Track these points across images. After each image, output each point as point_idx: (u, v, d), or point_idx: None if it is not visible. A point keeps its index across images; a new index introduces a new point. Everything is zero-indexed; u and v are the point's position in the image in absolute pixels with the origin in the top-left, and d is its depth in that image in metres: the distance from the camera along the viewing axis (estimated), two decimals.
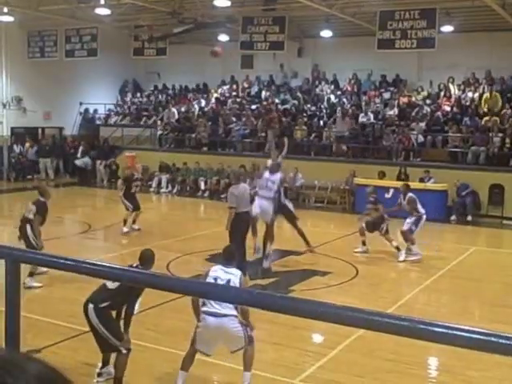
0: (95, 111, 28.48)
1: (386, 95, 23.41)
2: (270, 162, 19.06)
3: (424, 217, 12.70)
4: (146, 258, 6.59)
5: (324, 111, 23.66)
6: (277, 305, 2.29)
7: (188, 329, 8.16)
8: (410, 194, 12.89)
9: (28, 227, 10.72)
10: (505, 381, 6.80)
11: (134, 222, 15.03)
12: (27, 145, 25.03)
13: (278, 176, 11.92)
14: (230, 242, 10.77)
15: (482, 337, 1.87)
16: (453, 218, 17.86)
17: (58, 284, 9.49)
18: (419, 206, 12.74)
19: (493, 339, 1.84)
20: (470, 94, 21.87)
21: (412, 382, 6.90)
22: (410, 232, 12.55)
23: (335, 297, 9.45)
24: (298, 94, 25.04)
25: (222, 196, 18.95)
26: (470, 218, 17.92)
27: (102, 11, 21.11)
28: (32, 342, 6.62)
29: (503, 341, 1.81)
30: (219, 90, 27.38)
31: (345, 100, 23.90)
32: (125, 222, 14.72)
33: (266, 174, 12.03)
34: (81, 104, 27.83)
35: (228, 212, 10.91)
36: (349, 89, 24.54)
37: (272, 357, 7.17)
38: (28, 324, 8.07)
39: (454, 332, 1.90)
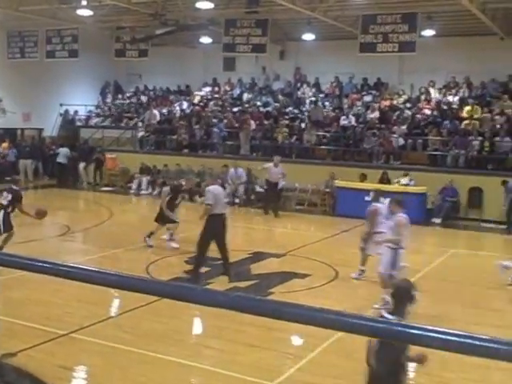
0: (76, 112, 28.25)
1: (368, 98, 23.53)
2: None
3: None
4: (400, 293, 5.01)
5: (305, 114, 23.71)
6: (255, 308, 2.27)
7: (164, 331, 8.13)
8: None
9: (1, 214, 10.84)
10: (482, 382, 6.84)
11: (171, 235, 13.41)
12: (4, 145, 24.72)
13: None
14: (199, 241, 10.67)
15: (458, 339, 1.86)
16: (438, 221, 17.99)
17: (34, 286, 9.36)
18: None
19: (469, 341, 1.84)
20: (450, 98, 22.07)
21: None
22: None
23: (315, 299, 9.43)
24: (280, 97, 25.09)
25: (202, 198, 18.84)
26: (438, 220, 18.07)
27: (84, 12, 20.91)
28: (7, 345, 6.52)
29: (479, 342, 1.81)
30: (201, 93, 27.35)
31: (327, 103, 23.98)
32: (151, 233, 13.11)
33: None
34: (61, 105, 27.64)
35: (204, 208, 10.88)
36: (331, 92, 24.64)
37: (250, 359, 7.13)
38: (3, 327, 7.96)
39: (431, 334, 1.89)
